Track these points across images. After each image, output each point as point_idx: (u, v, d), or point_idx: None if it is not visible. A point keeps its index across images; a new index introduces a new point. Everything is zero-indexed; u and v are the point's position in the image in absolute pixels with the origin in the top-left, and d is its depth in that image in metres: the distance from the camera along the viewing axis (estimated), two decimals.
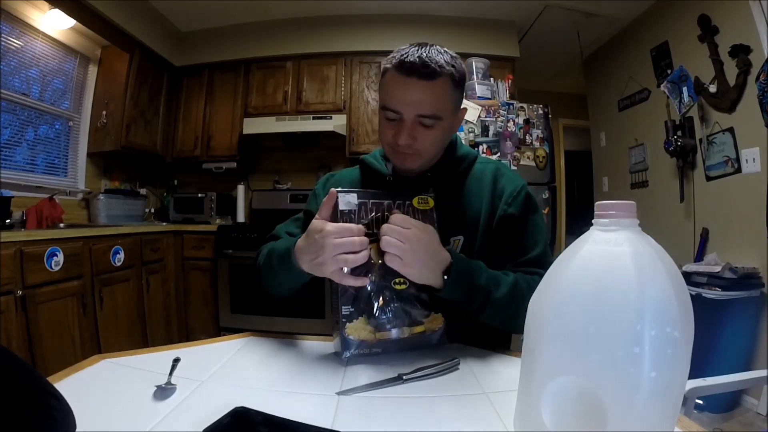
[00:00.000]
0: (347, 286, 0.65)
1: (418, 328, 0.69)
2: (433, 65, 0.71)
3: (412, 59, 0.71)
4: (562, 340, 0.40)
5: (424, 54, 0.71)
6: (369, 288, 0.67)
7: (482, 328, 0.84)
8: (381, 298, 0.67)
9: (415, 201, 0.72)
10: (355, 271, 0.64)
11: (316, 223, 0.66)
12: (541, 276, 0.46)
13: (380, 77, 0.79)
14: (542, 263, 0.77)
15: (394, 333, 0.68)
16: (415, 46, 0.74)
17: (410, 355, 0.67)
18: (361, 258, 0.62)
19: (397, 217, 0.66)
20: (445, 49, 0.76)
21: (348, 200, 0.67)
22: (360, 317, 0.66)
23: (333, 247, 0.61)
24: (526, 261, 0.78)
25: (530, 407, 0.43)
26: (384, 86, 0.76)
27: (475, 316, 0.71)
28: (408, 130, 0.74)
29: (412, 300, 0.69)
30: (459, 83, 0.76)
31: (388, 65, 0.75)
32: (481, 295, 0.69)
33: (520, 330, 0.50)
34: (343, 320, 0.65)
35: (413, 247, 0.63)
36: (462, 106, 0.82)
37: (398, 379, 0.58)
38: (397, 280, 0.68)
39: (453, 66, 0.73)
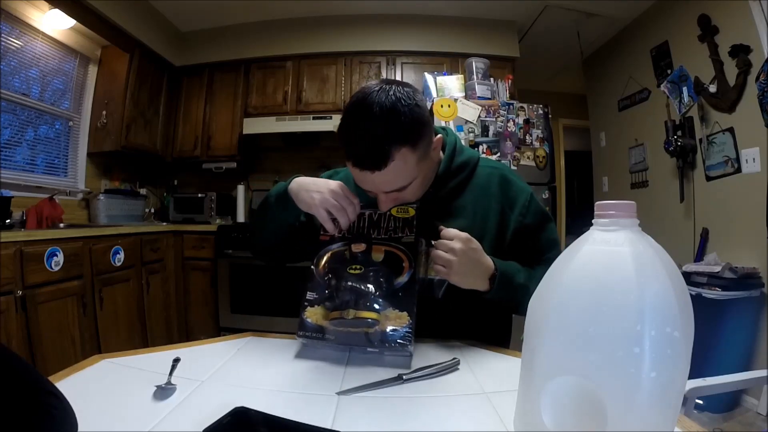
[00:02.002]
0: (317, 277, 0.74)
1: (367, 314, 0.68)
2: (380, 154, 0.67)
3: (358, 151, 0.68)
4: (562, 340, 0.40)
5: (369, 135, 0.67)
6: (331, 277, 0.73)
7: (482, 326, 0.84)
8: (337, 284, 0.72)
9: (393, 210, 0.78)
10: (337, 237, 0.76)
11: (329, 180, 0.78)
12: None
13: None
14: None
15: (342, 315, 0.69)
16: (359, 115, 0.69)
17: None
18: (342, 213, 0.74)
19: (446, 232, 0.72)
20: (397, 93, 0.69)
21: None
22: (321, 304, 0.72)
23: (331, 193, 0.74)
24: (546, 260, 0.81)
25: (530, 407, 0.43)
26: (348, 166, 0.74)
27: (513, 309, 0.84)
28: (386, 200, 0.77)
29: (369, 287, 0.70)
30: (420, 136, 0.70)
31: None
32: (521, 292, 0.76)
33: None
34: (305, 304, 0.72)
35: (459, 260, 0.70)
36: (437, 135, 0.80)
37: (398, 379, 0.58)
38: (352, 266, 0.72)
39: (409, 129, 0.68)
